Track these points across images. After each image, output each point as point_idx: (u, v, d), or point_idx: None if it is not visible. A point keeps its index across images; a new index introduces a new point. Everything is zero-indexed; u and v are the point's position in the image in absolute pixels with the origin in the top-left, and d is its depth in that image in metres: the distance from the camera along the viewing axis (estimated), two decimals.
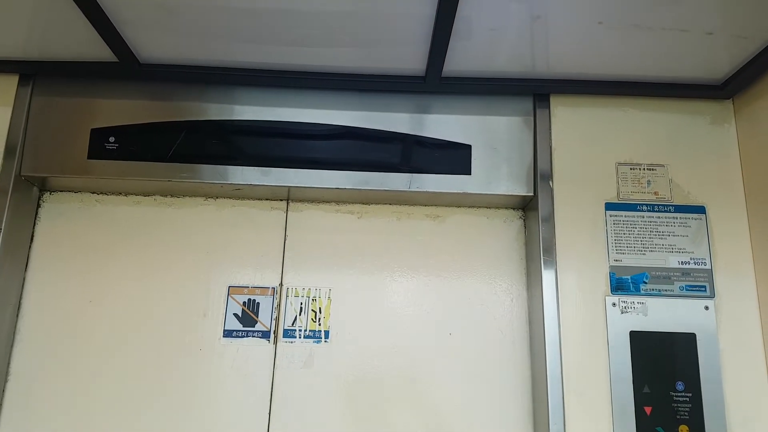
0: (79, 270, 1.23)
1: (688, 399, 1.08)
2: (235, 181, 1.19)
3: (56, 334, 1.20)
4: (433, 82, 1.16)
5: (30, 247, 1.24)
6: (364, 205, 1.29)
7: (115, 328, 1.21)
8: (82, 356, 1.19)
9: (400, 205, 1.29)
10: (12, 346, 1.19)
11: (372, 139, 1.21)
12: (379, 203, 1.29)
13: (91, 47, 1.11)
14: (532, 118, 1.21)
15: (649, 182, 1.19)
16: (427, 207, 1.29)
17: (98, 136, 1.19)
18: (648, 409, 1.08)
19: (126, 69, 1.16)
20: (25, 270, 1.23)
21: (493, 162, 1.20)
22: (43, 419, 1.16)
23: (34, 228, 1.25)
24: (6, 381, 1.18)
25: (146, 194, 1.28)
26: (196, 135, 1.20)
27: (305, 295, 1.24)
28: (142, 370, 1.19)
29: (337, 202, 1.29)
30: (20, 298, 1.22)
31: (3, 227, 1.14)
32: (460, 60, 1.11)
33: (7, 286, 1.17)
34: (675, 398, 1.08)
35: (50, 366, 1.19)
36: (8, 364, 1.18)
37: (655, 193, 1.19)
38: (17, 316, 1.21)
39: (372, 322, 1.23)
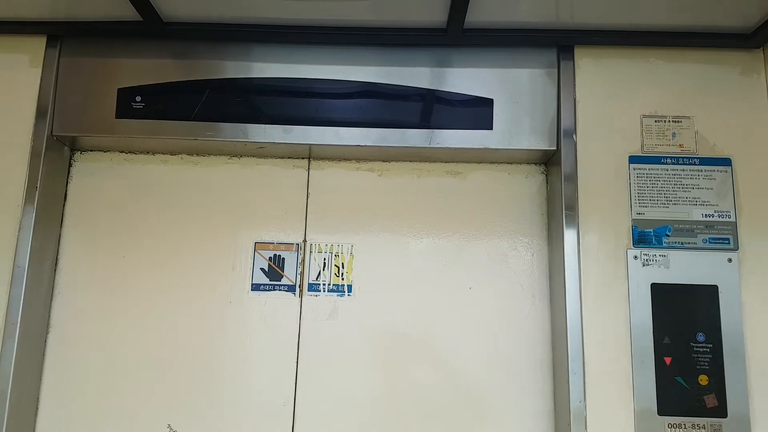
0: (111, 226, 1.28)
1: (708, 350, 1.10)
2: (258, 139, 1.21)
3: (92, 288, 1.26)
4: (455, 35, 1.15)
5: (64, 205, 1.29)
6: (385, 163, 1.31)
7: (148, 281, 1.26)
8: (117, 308, 1.25)
9: (421, 162, 1.30)
10: (51, 299, 1.25)
11: (392, 95, 1.21)
12: (399, 160, 1.30)
13: (116, 6, 1.12)
14: (555, 71, 1.20)
15: (674, 134, 1.18)
16: (447, 164, 1.30)
17: (125, 95, 1.21)
18: (668, 360, 1.10)
19: (150, 28, 1.17)
20: (61, 227, 1.28)
21: (516, 116, 1.19)
22: (82, 368, 1.23)
23: (66, 187, 1.30)
24: (47, 333, 1.24)
25: (173, 153, 1.31)
26: (220, 94, 1.22)
27: (328, 251, 1.27)
28: (175, 320, 1.24)
29: (358, 159, 1.31)
30: (57, 254, 1.27)
31: (38, 186, 1.19)
32: (482, 10, 1.10)
33: (44, 243, 1.23)
34: (695, 349, 1.10)
35: (87, 318, 1.25)
36: (49, 316, 1.24)
37: (680, 146, 1.17)
38: (55, 271, 1.26)
39: (394, 277, 1.25)
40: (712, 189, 1.16)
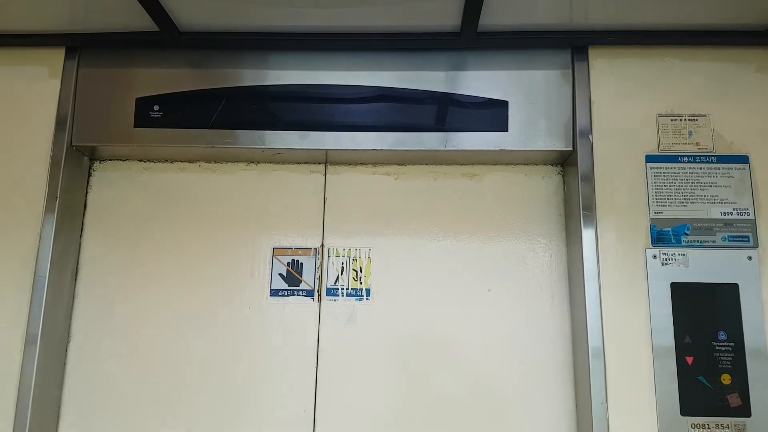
0: (130, 235, 1.29)
1: (730, 348, 1.09)
2: (275, 145, 1.22)
3: (112, 296, 1.27)
4: (469, 38, 1.16)
5: (84, 214, 1.30)
6: (401, 166, 1.31)
7: (168, 288, 1.26)
8: (136, 316, 1.25)
9: (437, 164, 1.31)
10: (72, 308, 1.26)
11: (407, 99, 1.22)
12: (415, 164, 1.31)
13: (133, 17, 1.14)
14: (570, 72, 1.20)
15: (690, 133, 1.18)
16: (463, 166, 1.30)
17: (143, 104, 1.22)
18: (690, 359, 1.09)
19: (167, 38, 1.19)
20: (81, 236, 1.29)
21: (531, 117, 1.19)
22: (102, 376, 1.23)
23: (86, 196, 1.31)
24: (68, 341, 1.25)
25: (191, 161, 1.32)
26: (236, 101, 1.23)
27: (346, 255, 1.27)
28: (195, 327, 1.25)
29: (374, 163, 1.31)
30: (77, 263, 1.28)
31: (58, 196, 1.20)
32: (495, 13, 1.11)
33: (65, 252, 1.24)
34: (717, 348, 1.09)
35: (108, 326, 1.25)
36: (69, 325, 1.25)
37: (697, 144, 1.17)
38: (75, 280, 1.27)
39: (412, 280, 1.25)
40: (730, 187, 1.15)
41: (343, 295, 1.26)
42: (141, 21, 1.15)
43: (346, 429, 1.20)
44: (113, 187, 1.31)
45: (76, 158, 1.27)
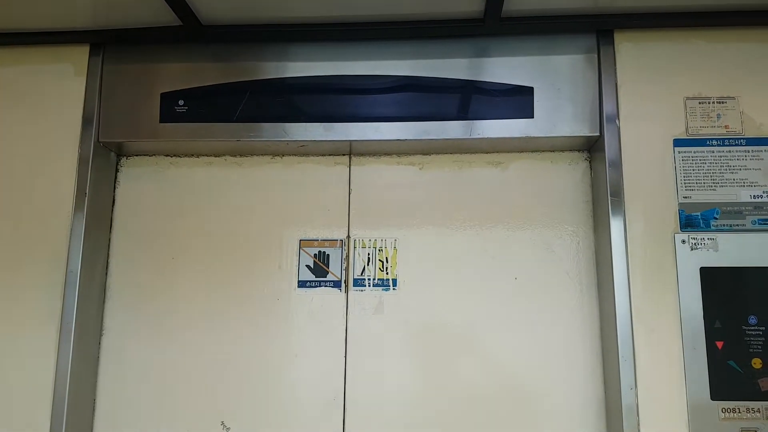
0: (159, 229, 1.30)
1: (761, 333, 1.08)
2: (299, 137, 1.22)
3: (143, 290, 1.28)
4: (493, 24, 1.15)
5: (112, 210, 1.32)
6: (425, 156, 1.31)
7: (197, 281, 1.28)
8: (168, 310, 1.27)
9: (462, 153, 1.30)
10: (104, 302, 1.28)
11: (431, 88, 1.21)
12: (439, 153, 1.30)
13: (156, 12, 1.14)
14: (595, 56, 1.19)
15: (719, 116, 1.16)
16: (488, 154, 1.30)
17: (168, 99, 1.23)
18: (720, 344, 1.08)
19: (189, 32, 1.19)
20: (110, 231, 1.31)
21: (557, 103, 1.18)
22: (135, 368, 1.26)
23: (114, 192, 1.33)
24: (101, 335, 1.27)
25: (217, 155, 1.33)
26: (260, 94, 1.23)
27: (372, 246, 1.28)
28: (224, 319, 1.26)
29: (398, 154, 1.31)
30: (107, 258, 1.30)
31: (87, 192, 1.21)
32: None
33: (95, 248, 1.25)
34: (747, 332, 1.08)
35: (140, 320, 1.27)
36: (102, 319, 1.27)
37: (726, 127, 1.16)
38: (106, 275, 1.29)
39: (438, 269, 1.26)
40: (760, 170, 1.14)
41: (369, 286, 1.26)
42: (164, 16, 1.15)
43: (376, 416, 1.21)
44: (141, 183, 1.33)
45: (104, 154, 1.28)
